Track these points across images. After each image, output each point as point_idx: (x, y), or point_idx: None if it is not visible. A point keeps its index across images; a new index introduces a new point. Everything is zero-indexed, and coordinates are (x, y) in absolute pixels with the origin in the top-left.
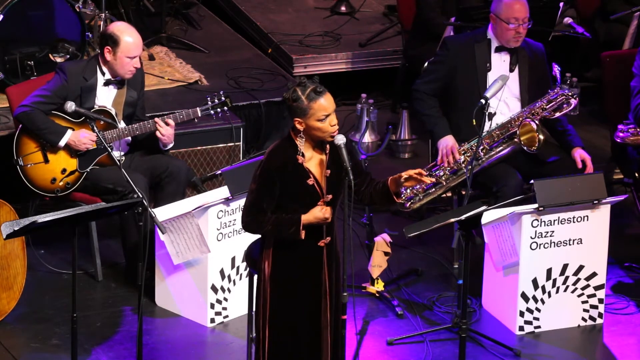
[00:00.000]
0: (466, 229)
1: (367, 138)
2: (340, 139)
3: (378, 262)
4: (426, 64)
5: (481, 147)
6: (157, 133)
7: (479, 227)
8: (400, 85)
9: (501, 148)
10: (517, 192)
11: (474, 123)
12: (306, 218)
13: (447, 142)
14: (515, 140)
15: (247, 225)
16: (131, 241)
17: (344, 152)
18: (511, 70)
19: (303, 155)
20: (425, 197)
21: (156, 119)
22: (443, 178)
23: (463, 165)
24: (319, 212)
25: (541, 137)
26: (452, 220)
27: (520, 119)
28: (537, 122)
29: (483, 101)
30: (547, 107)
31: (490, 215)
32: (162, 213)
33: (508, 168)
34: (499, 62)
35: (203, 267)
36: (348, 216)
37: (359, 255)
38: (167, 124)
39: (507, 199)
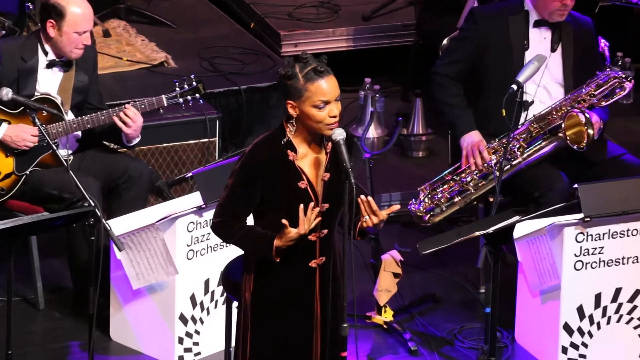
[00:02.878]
0: (495, 245)
1: (373, 133)
2: (339, 134)
3: (386, 286)
4: (445, 41)
5: (517, 146)
6: (120, 124)
7: (510, 242)
8: (412, 67)
9: (541, 145)
10: (564, 198)
11: (504, 113)
12: (278, 242)
13: (473, 138)
14: (560, 135)
15: (215, 229)
16: (80, 260)
17: (343, 149)
18: (553, 49)
19: (296, 152)
20: (448, 208)
21: (126, 106)
22: (471, 184)
23: (495, 167)
24: (292, 234)
25: (590, 131)
26: (478, 233)
27: (564, 108)
28: (586, 113)
29: (515, 87)
30: (596, 93)
31: (524, 228)
32: (119, 225)
33: (552, 169)
34: (539, 39)
35: (169, 292)
36: (349, 229)
37: (362, 278)
38: (127, 115)
39: (553, 205)
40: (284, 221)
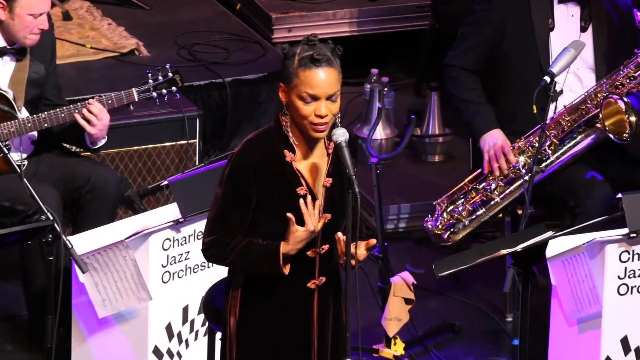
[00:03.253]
0: (524, 266)
1: (380, 133)
2: (341, 135)
3: (396, 314)
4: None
5: (548, 142)
6: (83, 122)
7: (542, 262)
8: (427, 56)
9: (576, 140)
10: (605, 209)
11: (535, 110)
12: (285, 247)
13: (494, 139)
14: (598, 125)
15: (208, 250)
16: (36, 284)
17: (345, 153)
18: (583, 29)
19: (294, 151)
20: (471, 223)
21: (90, 102)
22: (496, 192)
23: (523, 170)
24: (300, 233)
25: (632, 118)
26: (504, 252)
27: (600, 95)
28: (624, 98)
29: (548, 78)
30: (637, 74)
31: (559, 245)
32: (82, 242)
33: (590, 173)
34: (566, 18)
35: (142, 321)
36: (351, 246)
37: (368, 304)
38: (91, 112)
39: (592, 218)
40: (290, 215)
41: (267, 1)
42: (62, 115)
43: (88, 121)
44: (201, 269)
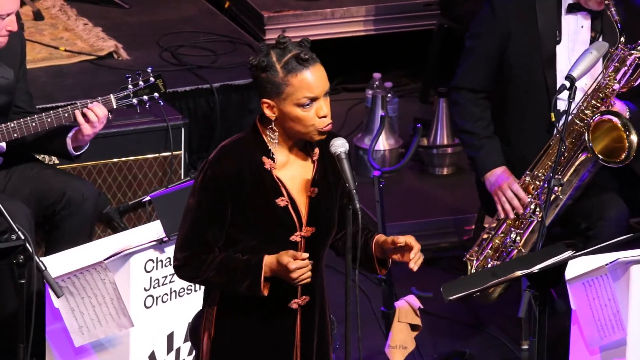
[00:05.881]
0: (541, 288)
1: (384, 143)
2: (340, 146)
3: (401, 341)
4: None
5: (558, 188)
6: (81, 119)
7: (561, 285)
8: (435, 59)
9: (576, 169)
10: (621, 229)
11: (553, 118)
12: (270, 263)
13: (499, 179)
14: (586, 156)
15: (182, 267)
16: (6, 310)
17: (345, 165)
18: (592, 40)
19: (274, 159)
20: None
21: (92, 104)
22: (520, 244)
23: (542, 188)
24: (286, 260)
25: (633, 137)
26: (519, 274)
27: (587, 112)
28: (614, 112)
29: (567, 83)
30: (618, 77)
31: (579, 266)
32: (56, 264)
33: (605, 192)
34: (574, 29)
35: (123, 350)
36: (353, 267)
37: (370, 330)
38: (95, 113)
39: (605, 240)
40: (292, 253)
41: None
42: (34, 124)
43: (88, 120)
44: (187, 293)
